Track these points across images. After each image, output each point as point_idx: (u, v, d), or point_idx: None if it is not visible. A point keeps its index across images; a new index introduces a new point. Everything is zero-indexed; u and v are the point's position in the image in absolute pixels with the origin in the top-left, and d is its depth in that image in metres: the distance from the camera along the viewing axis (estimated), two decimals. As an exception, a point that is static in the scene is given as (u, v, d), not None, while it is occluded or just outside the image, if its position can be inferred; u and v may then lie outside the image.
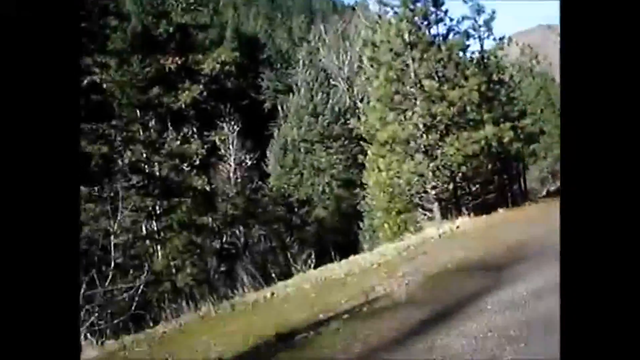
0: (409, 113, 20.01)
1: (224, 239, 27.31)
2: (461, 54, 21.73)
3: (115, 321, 11.40)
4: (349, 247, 26.93)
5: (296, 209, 36.05)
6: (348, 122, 37.76)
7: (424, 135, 19.84)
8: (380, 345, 6.47)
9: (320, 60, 46.82)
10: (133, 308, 11.95)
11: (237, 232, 28.26)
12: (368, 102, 24.03)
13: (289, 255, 18.78)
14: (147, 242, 25.63)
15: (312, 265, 15.65)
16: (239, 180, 33.33)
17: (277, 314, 9.74)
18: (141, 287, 12.10)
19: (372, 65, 21.27)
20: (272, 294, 11.76)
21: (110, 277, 13.16)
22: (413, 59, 19.92)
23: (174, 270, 24.13)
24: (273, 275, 14.35)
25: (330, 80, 44.96)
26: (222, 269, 25.04)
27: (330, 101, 40.84)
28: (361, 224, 32.38)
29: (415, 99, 19.86)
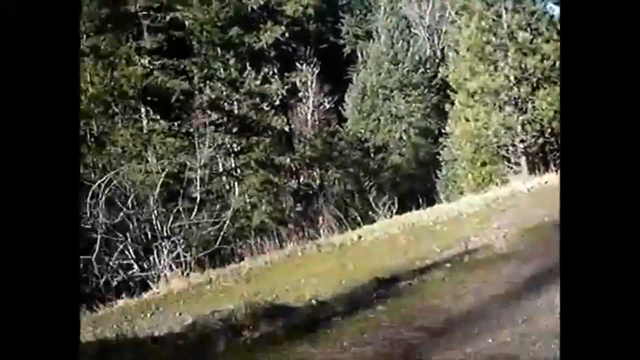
0: (500, 64, 19.58)
1: (301, 180, 27.24)
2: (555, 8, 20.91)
3: (201, 254, 11.38)
4: (426, 195, 26.43)
5: (372, 155, 35.62)
6: (428, 70, 37.00)
7: (515, 88, 19.38)
8: (493, 298, 6.00)
9: (400, 8, 45.48)
10: (218, 243, 11.96)
11: (315, 173, 28.11)
12: (456, 52, 23.30)
13: (370, 199, 18.43)
14: (224, 178, 25.75)
15: (395, 211, 15.26)
16: (317, 122, 33.05)
17: (368, 258, 9.44)
18: (227, 222, 12.08)
19: (460, 14, 20.72)
20: (359, 237, 11.47)
21: (195, 210, 13.18)
22: (506, 9, 19.25)
23: (249, 208, 24.22)
24: (358, 218, 14.05)
25: (411, 28, 43.79)
26: (298, 209, 25.01)
27: (411, 49, 39.81)
28: (438, 173, 31.75)
29: (507, 51, 19.42)
